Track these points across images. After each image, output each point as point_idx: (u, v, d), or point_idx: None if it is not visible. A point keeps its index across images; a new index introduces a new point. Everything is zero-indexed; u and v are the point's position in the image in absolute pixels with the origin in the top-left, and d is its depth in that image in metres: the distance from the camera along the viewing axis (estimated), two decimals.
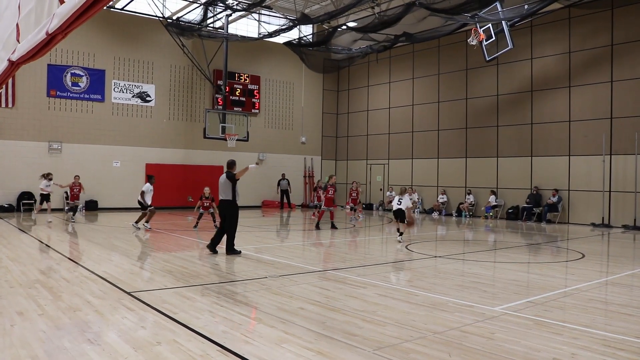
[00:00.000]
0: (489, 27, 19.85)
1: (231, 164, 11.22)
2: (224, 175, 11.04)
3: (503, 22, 19.23)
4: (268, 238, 13.88)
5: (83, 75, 23.22)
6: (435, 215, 24.42)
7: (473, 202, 23.82)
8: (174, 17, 23.48)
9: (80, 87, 23.14)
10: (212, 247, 11.04)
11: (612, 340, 5.38)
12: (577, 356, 4.87)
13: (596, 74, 20.23)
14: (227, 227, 10.93)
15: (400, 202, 13.58)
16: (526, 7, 17.69)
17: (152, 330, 5.49)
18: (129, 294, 7.10)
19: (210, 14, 21.98)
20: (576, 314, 6.44)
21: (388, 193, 26.36)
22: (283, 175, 27.68)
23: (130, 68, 24.54)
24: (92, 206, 23.15)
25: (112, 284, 7.75)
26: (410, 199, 14.98)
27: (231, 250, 10.88)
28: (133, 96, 24.57)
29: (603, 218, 19.60)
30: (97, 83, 23.56)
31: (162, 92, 25.41)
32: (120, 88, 24.20)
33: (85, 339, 5.11)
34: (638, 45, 19.11)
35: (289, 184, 27.55)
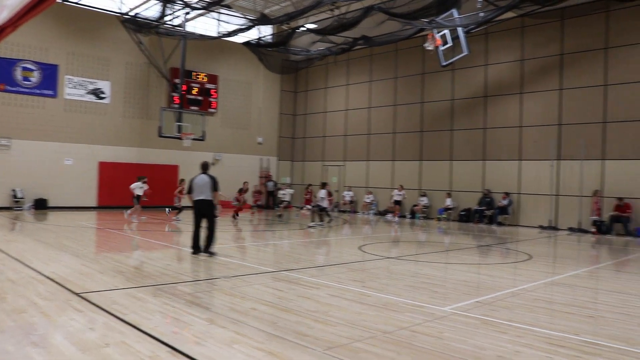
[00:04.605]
0: (446, 33, 20.25)
1: (207, 166, 11.26)
2: (204, 177, 10.89)
3: (459, 28, 19.64)
4: (222, 239, 13.75)
5: (35, 70, 22.51)
6: (389, 217, 24.69)
7: (427, 205, 24.22)
8: (131, 13, 23.02)
9: (31, 81, 22.42)
10: (196, 248, 10.88)
11: (555, 337, 5.59)
12: (521, 354, 5.04)
13: (547, 81, 20.93)
14: (210, 227, 10.80)
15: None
16: (482, 14, 18.11)
17: (101, 331, 5.39)
18: (77, 295, 6.94)
19: (168, 11, 21.62)
20: (522, 313, 6.66)
21: (345, 192, 26.55)
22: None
23: (85, 64, 23.92)
24: (41, 205, 22.45)
25: (60, 284, 7.55)
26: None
27: (210, 250, 10.79)
28: (87, 92, 23.96)
29: (550, 221, 20.27)
30: (49, 78, 22.88)
31: (117, 89, 24.88)
32: (73, 84, 23.57)
33: (30, 342, 4.98)
34: (585, 55, 19.87)
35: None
